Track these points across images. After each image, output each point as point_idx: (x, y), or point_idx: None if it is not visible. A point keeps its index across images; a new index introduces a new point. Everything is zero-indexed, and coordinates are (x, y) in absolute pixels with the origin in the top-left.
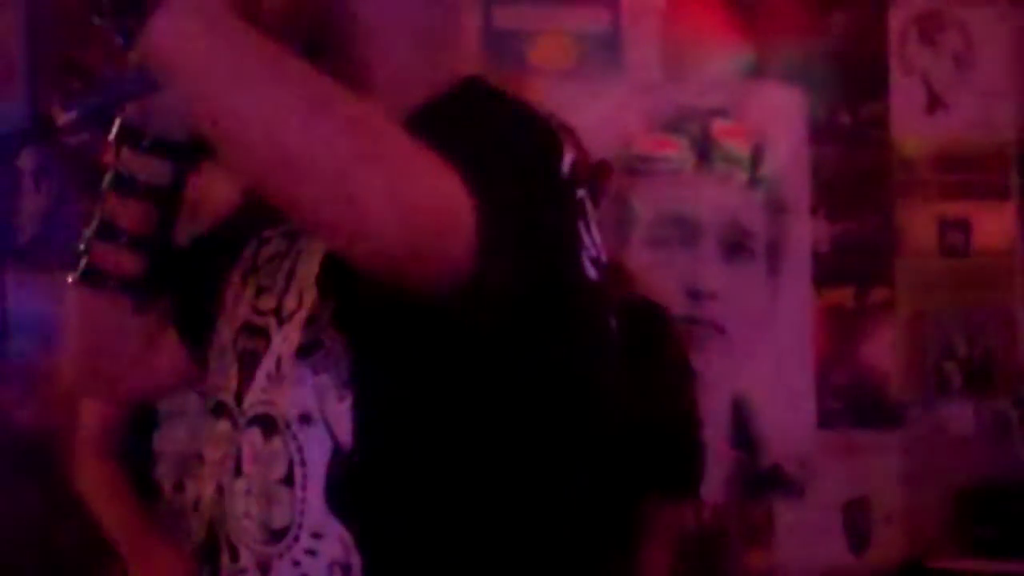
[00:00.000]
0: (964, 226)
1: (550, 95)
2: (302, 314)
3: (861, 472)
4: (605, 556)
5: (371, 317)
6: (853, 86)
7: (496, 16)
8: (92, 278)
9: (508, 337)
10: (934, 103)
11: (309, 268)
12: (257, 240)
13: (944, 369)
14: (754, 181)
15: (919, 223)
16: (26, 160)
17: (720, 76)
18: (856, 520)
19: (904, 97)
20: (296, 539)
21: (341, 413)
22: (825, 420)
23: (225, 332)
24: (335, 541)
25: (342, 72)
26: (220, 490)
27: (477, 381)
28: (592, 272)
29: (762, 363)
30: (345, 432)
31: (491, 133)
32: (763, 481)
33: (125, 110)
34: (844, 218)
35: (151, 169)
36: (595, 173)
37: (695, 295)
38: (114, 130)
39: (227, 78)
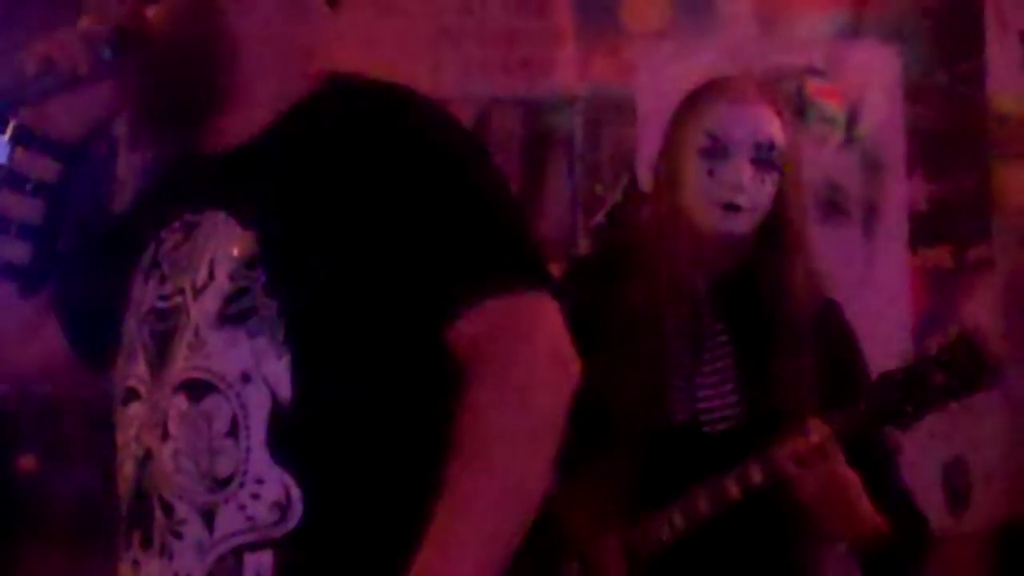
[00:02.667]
0: None
1: (642, 55)
2: (216, 285)
3: (960, 432)
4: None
5: (305, 288)
6: (948, 44)
7: None
8: None
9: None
10: None
11: (215, 245)
12: (155, 241)
13: None
14: (850, 141)
15: (1016, 181)
16: None
17: (814, 35)
18: (955, 480)
19: (1000, 55)
20: (241, 485)
21: (280, 371)
22: None
23: (131, 326)
24: (276, 484)
25: (220, 83)
26: (147, 457)
27: (404, 342)
28: None
29: (860, 324)
30: (284, 388)
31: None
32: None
33: (21, 111)
34: (941, 177)
35: (41, 168)
36: None
37: None
38: (9, 129)
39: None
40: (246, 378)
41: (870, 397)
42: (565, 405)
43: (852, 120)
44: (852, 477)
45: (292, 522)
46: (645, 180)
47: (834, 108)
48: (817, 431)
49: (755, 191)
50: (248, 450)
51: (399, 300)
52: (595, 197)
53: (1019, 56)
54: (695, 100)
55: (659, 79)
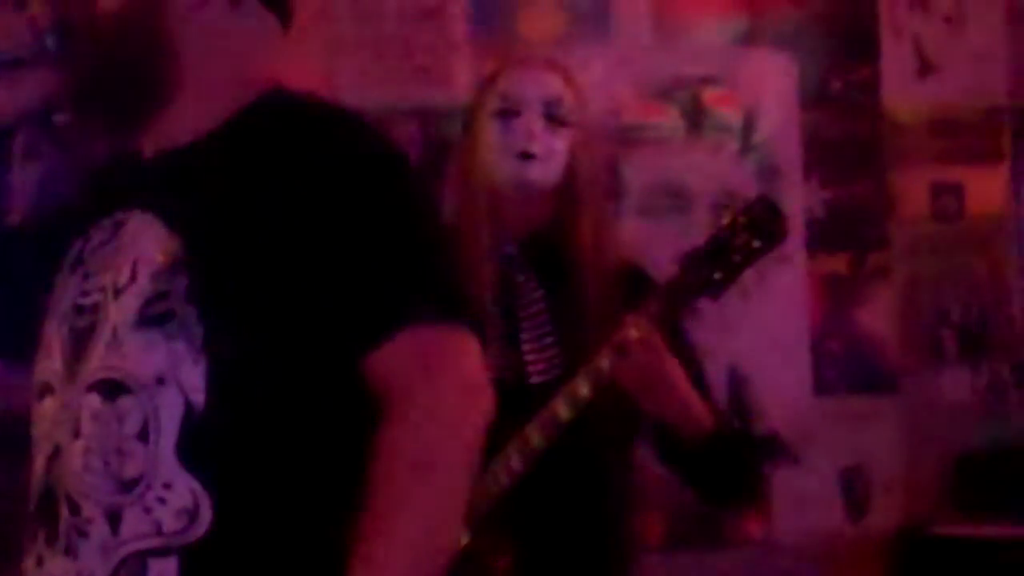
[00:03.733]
0: (957, 191)
1: None
2: (137, 286)
3: (858, 439)
4: None
5: (225, 298)
6: (843, 52)
7: None
8: None
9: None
10: (925, 67)
11: (140, 246)
12: (83, 238)
13: (940, 335)
14: (746, 148)
15: (912, 188)
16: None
17: (710, 43)
18: (854, 487)
19: (895, 62)
20: (148, 487)
21: (195, 377)
22: (821, 387)
23: (52, 324)
24: (184, 491)
25: (160, 84)
26: (57, 453)
27: (319, 361)
28: None
29: (757, 331)
30: (199, 393)
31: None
32: (761, 449)
33: None
34: (837, 185)
35: None
36: None
37: None
38: None
39: None
40: (160, 381)
41: (678, 275)
42: (475, 438)
43: (748, 128)
44: (673, 363)
45: (199, 530)
46: None
47: (730, 116)
48: (633, 323)
49: (547, 142)
50: (157, 454)
51: (316, 322)
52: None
53: (913, 64)
54: (489, 77)
55: None
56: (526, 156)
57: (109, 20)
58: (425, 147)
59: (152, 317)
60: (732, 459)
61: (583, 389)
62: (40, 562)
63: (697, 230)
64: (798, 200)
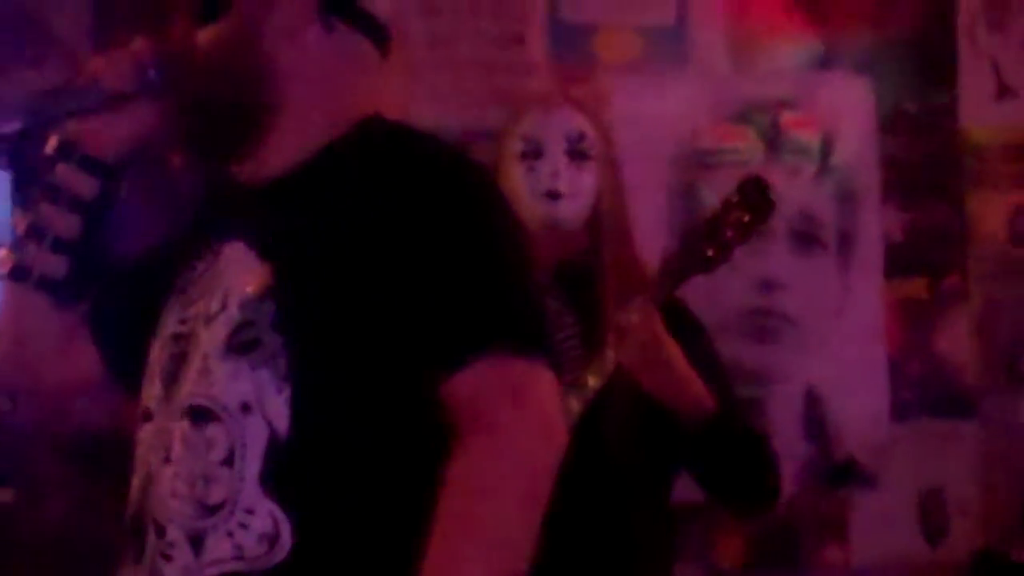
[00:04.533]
0: None
1: (616, 88)
2: (227, 315)
3: (936, 463)
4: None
5: (311, 327)
6: (921, 75)
7: (561, 8)
8: (17, 274)
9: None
10: (1003, 91)
11: (232, 275)
12: (187, 267)
13: (1018, 358)
14: (824, 171)
15: (990, 212)
16: None
17: (787, 67)
18: (932, 511)
19: (973, 85)
20: (231, 513)
21: (279, 404)
22: (899, 411)
23: (155, 350)
24: (266, 516)
25: (260, 115)
26: (148, 478)
27: (402, 390)
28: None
29: (835, 354)
30: (282, 421)
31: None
32: (837, 473)
33: (64, 126)
34: (915, 208)
35: (79, 183)
36: None
37: (766, 286)
38: (51, 143)
39: None
40: (246, 408)
41: (673, 255)
42: (549, 475)
43: (826, 151)
44: (672, 343)
45: (279, 556)
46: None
47: (807, 139)
48: (633, 307)
49: (573, 178)
50: (242, 480)
51: (400, 349)
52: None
53: (992, 86)
54: (510, 120)
55: (632, 111)
56: (553, 195)
57: (209, 52)
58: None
59: (239, 345)
60: (735, 444)
61: (591, 380)
62: None
63: (775, 252)
64: (876, 224)
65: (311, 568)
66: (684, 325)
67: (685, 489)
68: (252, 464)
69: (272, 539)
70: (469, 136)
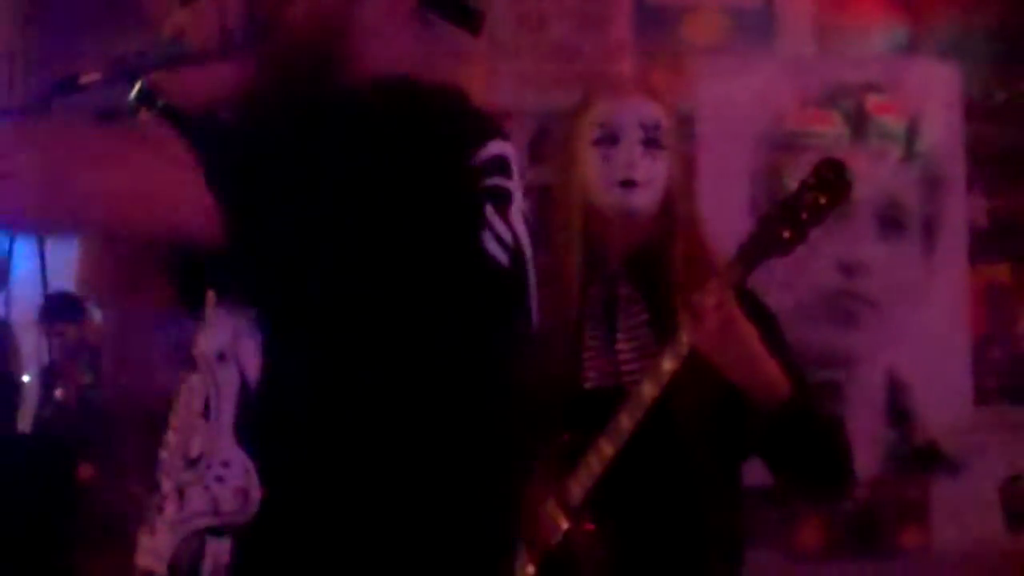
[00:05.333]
0: None
1: (701, 70)
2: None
3: (1018, 449)
4: (494, 506)
5: (276, 269)
6: (1008, 61)
7: None
8: None
9: (386, 292)
10: None
11: None
12: None
13: None
14: (909, 156)
15: None
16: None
17: (874, 51)
18: (1014, 497)
19: None
20: (208, 467)
21: (251, 351)
22: (982, 397)
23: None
24: (240, 469)
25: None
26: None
27: (364, 332)
28: (500, 254)
29: (918, 339)
30: (253, 368)
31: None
32: (919, 458)
33: (148, 75)
34: (1000, 194)
35: None
36: None
37: (849, 270)
38: (134, 91)
39: None
40: (221, 357)
41: (750, 237)
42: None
43: (912, 136)
44: (748, 327)
45: (251, 510)
46: (704, 192)
47: (893, 124)
48: (708, 289)
49: (647, 167)
50: (217, 432)
51: (364, 295)
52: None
53: None
54: (582, 104)
55: (719, 93)
56: (628, 184)
57: (299, 21)
58: None
59: (224, 291)
60: (809, 429)
61: (666, 363)
62: (141, 543)
63: (859, 236)
64: (960, 209)
65: (279, 524)
66: (755, 312)
67: (765, 474)
68: (226, 414)
69: (245, 493)
70: (553, 116)
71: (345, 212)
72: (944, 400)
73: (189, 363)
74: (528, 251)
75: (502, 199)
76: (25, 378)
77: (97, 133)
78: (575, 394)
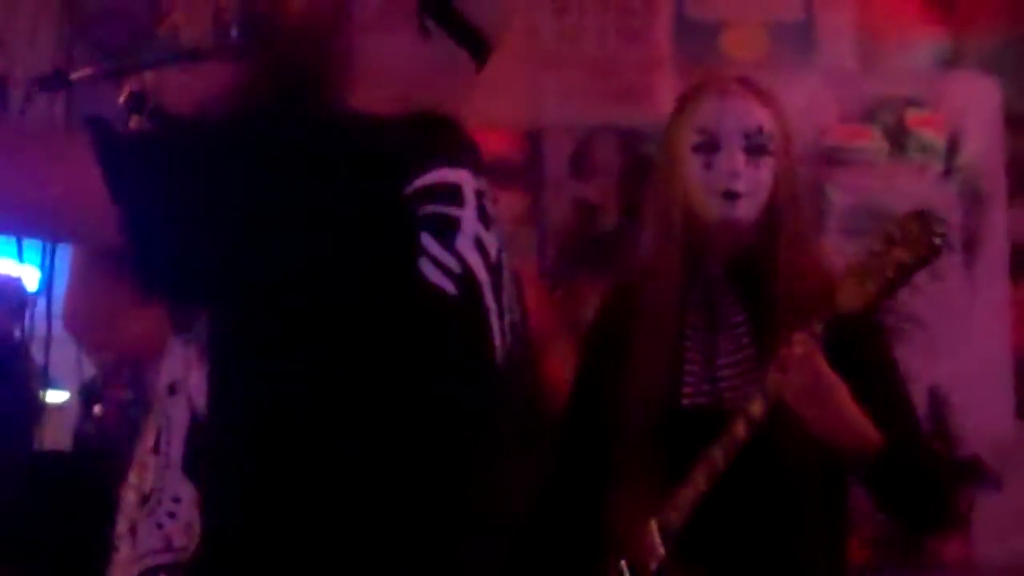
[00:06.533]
0: None
1: None
2: None
3: None
4: (445, 545)
5: (227, 297)
6: None
7: (688, 4)
8: None
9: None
10: None
11: None
12: None
13: None
14: (950, 171)
15: None
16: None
17: (914, 65)
18: None
19: None
20: (159, 503)
21: (199, 381)
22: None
23: None
24: (188, 503)
25: (329, 94)
26: None
27: (304, 363)
28: (443, 282)
29: (960, 354)
30: (201, 398)
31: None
32: (961, 471)
33: (137, 78)
34: None
35: None
36: None
37: None
38: (124, 93)
39: None
40: (172, 390)
41: (836, 293)
42: None
43: (952, 150)
44: (835, 380)
45: (194, 544)
46: None
47: (933, 138)
48: (798, 340)
49: (751, 176)
50: (167, 466)
51: (307, 324)
52: None
53: None
54: (684, 103)
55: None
56: (730, 195)
57: (295, 21)
58: (627, 166)
59: (179, 322)
60: (903, 476)
61: (756, 408)
62: None
63: None
64: (1002, 225)
65: (220, 556)
66: (863, 357)
67: None
68: (175, 447)
69: (193, 528)
70: (593, 131)
71: (249, 243)
72: (986, 415)
73: (149, 401)
74: (483, 278)
75: (444, 226)
76: (63, 395)
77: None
78: (672, 410)
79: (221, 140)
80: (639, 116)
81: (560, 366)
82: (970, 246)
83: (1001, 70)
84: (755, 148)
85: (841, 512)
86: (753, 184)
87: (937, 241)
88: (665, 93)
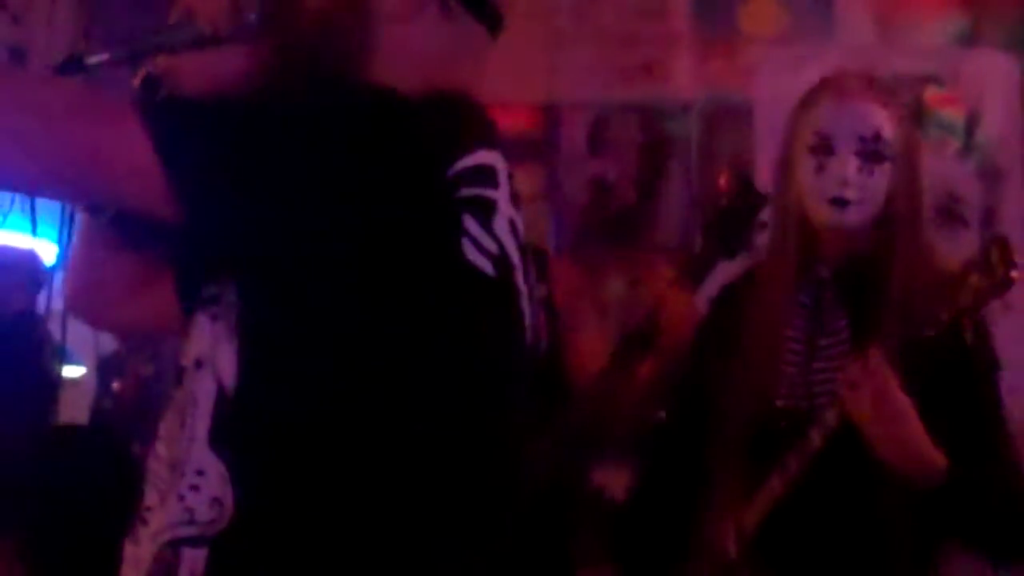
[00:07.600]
0: None
1: (759, 61)
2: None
3: None
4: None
5: (257, 272)
6: None
7: None
8: (92, 207)
9: (364, 304)
10: None
11: None
12: None
13: None
14: (968, 149)
15: None
16: None
17: (933, 42)
18: None
19: None
20: (183, 475)
21: (227, 357)
22: None
23: None
24: (215, 477)
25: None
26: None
27: (346, 339)
28: (483, 263)
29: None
30: (229, 375)
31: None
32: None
33: (153, 62)
34: None
35: None
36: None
37: None
38: (137, 77)
39: None
40: (198, 364)
41: (908, 313)
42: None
43: (971, 128)
44: (902, 401)
45: (225, 520)
46: (763, 183)
47: (952, 116)
48: (872, 356)
49: (863, 184)
50: (191, 440)
51: (332, 301)
52: (712, 202)
53: None
54: (806, 100)
55: (776, 85)
56: (839, 202)
57: (313, 3)
58: (646, 144)
59: (206, 299)
60: (973, 506)
61: (831, 418)
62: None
63: None
64: (1020, 202)
65: (252, 536)
66: (946, 366)
67: None
68: (202, 422)
69: (221, 503)
70: (612, 109)
71: (299, 216)
72: (1006, 394)
73: (177, 375)
74: (517, 260)
75: (484, 209)
76: (80, 369)
77: (55, 88)
78: (767, 409)
79: (268, 112)
80: (656, 92)
81: (584, 341)
82: (988, 224)
83: (1021, 48)
84: (870, 154)
85: (931, 542)
86: (865, 191)
87: (1015, 274)
88: (682, 69)
